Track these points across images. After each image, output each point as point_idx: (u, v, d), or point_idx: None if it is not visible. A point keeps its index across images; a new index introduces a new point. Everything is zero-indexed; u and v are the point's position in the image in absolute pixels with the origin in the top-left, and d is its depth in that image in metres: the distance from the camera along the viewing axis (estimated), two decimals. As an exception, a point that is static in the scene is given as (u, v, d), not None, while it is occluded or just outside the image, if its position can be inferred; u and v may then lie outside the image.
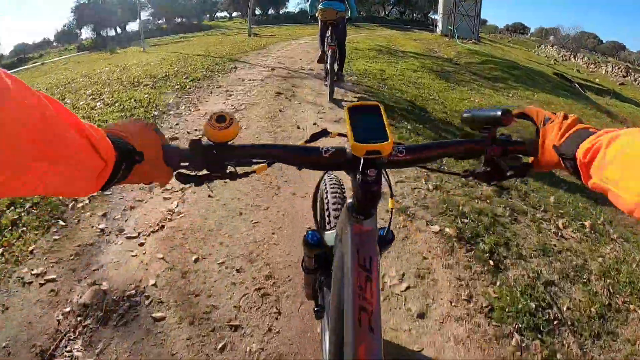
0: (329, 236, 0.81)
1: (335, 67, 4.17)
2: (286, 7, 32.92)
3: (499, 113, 0.52)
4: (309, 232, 0.81)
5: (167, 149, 0.52)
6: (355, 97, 4.57)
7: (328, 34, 4.15)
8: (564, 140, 0.48)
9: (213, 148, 0.52)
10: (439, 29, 18.20)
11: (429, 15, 32.95)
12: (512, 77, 8.08)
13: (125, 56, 11.43)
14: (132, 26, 23.72)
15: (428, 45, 12.37)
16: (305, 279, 1.10)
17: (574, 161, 0.45)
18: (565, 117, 0.50)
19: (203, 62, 6.89)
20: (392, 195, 0.64)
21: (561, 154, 0.47)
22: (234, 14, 34.51)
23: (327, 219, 1.01)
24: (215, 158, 0.53)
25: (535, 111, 0.55)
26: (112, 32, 26.00)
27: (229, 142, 0.52)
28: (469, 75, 7.36)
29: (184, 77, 5.43)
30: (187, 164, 0.54)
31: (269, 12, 31.44)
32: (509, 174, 0.56)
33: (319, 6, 4.23)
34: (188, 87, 5.00)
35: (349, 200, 0.60)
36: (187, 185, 0.64)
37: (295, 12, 31.05)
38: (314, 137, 0.63)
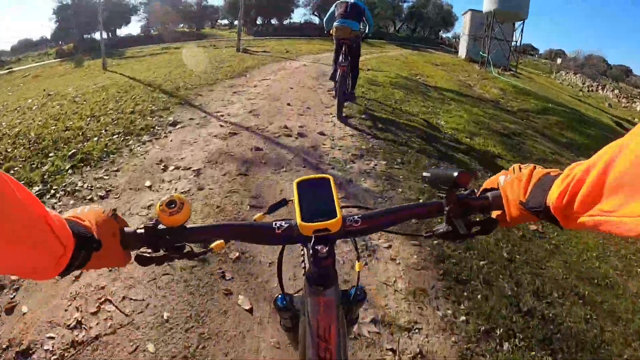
0: (298, 299, 0.77)
1: (347, 86, 4.12)
2: (291, 18, 30.62)
3: (455, 174, 0.51)
4: (279, 296, 0.77)
5: (125, 234, 0.53)
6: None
7: (342, 54, 4.05)
8: (529, 193, 0.46)
9: (167, 233, 0.53)
10: (462, 52, 15.93)
11: (440, 33, 30.97)
12: (589, 139, 5.73)
13: (82, 73, 9.60)
14: (127, 30, 20.90)
15: (456, 74, 10.02)
16: (287, 336, 1.02)
17: (545, 211, 0.43)
18: (520, 169, 0.51)
19: (138, 103, 4.46)
20: (358, 258, 0.68)
21: (530, 207, 0.45)
22: (236, 21, 32.41)
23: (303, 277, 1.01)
24: (170, 242, 0.53)
25: (489, 181, 0.56)
26: (101, 36, 23.68)
27: (184, 224, 0.53)
28: (540, 140, 4.94)
29: (63, 156, 2.92)
30: (145, 247, 0.54)
31: (272, 22, 29.18)
32: (473, 231, 0.55)
33: (335, 24, 4.13)
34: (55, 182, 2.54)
35: (307, 271, 0.59)
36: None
37: (301, 23, 28.83)
38: (273, 208, 0.68)
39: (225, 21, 33.88)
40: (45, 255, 0.39)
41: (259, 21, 28.30)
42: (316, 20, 28.41)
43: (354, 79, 4.43)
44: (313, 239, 0.52)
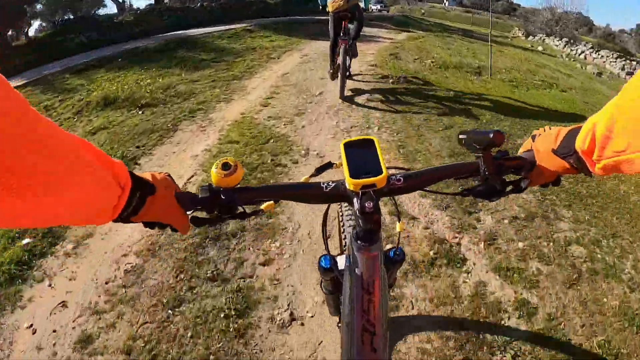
0: (342, 260, 0.79)
1: (348, 62, 3.90)
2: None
3: (491, 135, 0.54)
4: (322, 257, 0.80)
5: (179, 194, 0.55)
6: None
7: (341, 28, 3.74)
8: (559, 143, 0.50)
9: (221, 193, 0.55)
10: None
11: None
12: None
13: None
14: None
15: None
16: (327, 299, 1.11)
17: (576, 155, 0.46)
18: (550, 128, 0.54)
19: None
20: (399, 219, 0.74)
21: (561, 153, 0.49)
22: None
23: (343, 242, 1.13)
24: (224, 202, 0.55)
25: (523, 146, 0.61)
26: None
27: (237, 185, 0.56)
28: None
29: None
30: (199, 207, 0.56)
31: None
32: (507, 189, 0.58)
33: None
34: None
35: (353, 230, 0.62)
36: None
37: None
38: (319, 170, 0.73)
39: None
40: (105, 196, 0.41)
41: None
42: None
43: (353, 55, 4.15)
44: (360, 195, 0.55)
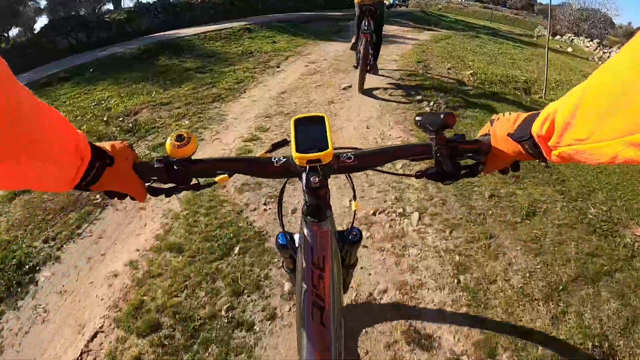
0: (298, 237, 0.79)
1: (370, 55, 3.74)
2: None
3: (442, 116, 0.55)
4: (279, 234, 0.80)
5: (137, 165, 0.57)
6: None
7: (365, 21, 3.64)
8: (516, 127, 0.50)
9: (174, 164, 0.57)
10: None
11: None
12: None
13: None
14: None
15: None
16: (290, 278, 1.11)
17: (532, 140, 0.46)
18: (509, 114, 0.54)
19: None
20: (354, 198, 0.69)
21: (517, 137, 0.49)
22: None
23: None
24: (178, 172, 0.57)
25: (482, 130, 0.59)
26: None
27: (190, 156, 0.57)
28: None
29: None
30: (155, 178, 0.58)
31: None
32: (462, 172, 0.58)
33: None
34: None
35: (303, 206, 0.62)
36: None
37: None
38: (275, 146, 0.72)
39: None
40: (66, 166, 0.43)
41: None
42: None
43: (377, 49, 4.13)
44: (307, 170, 0.56)
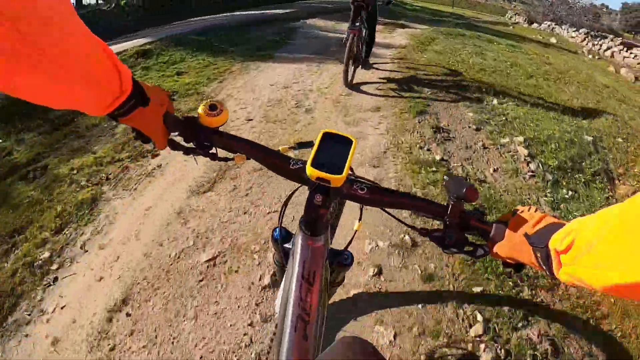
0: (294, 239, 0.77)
1: (355, 50, 3.58)
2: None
3: (464, 189, 0.53)
4: (276, 228, 0.78)
5: (167, 115, 0.59)
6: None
7: (356, 18, 3.52)
8: (535, 230, 0.47)
9: (203, 129, 0.60)
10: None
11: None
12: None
13: None
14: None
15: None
16: (276, 271, 1.07)
17: (546, 250, 0.44)
18: (536, 210, 0.51)
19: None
20: (360, 219, 0.68)
21: (533, 243, 0.47)
22: None
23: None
24: (201, 136, 0.60)
25: (502, 216, 0.56)
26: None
27: (219, 127, 0.60)
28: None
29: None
30: (177, 133, 0.60)
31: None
32: (464, 249, 0.55)
33: None
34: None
35: (302, 216, 0.61)
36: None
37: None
38: (300, 145, 0.71)
39: None
40: (105, 93, 0.46)
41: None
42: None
43: (369, 45, 4.11)
44: (316, 186, 0.56)
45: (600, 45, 10.96)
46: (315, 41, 5.98)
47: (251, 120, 3.06)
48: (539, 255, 0.45)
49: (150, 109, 0.55)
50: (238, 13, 8.97)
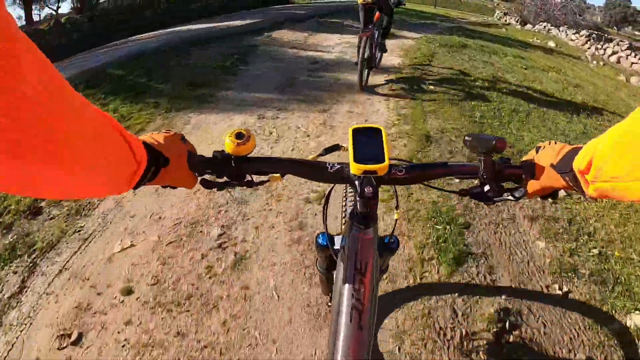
0: (339, 239, 0.79)
1: (369, 53, 3.53)
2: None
3: (493, 141, 0.54)
4: (320, 234, 0.80)
5: (192, 157, 0.57)
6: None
7: (367, 21, 3.53)
8: (559, 159, 0.50)
9: (232, 160, 0.58)
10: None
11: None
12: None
13: None
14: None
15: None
16: (320, 277, 1.10)
17: (572, 173, 0.46)
18: (555, 143, 0.54)
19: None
20: (397, 207, 0.75)
21: (559, 169, 0.49)
22: None
23: (342, 221, 1.11)
24: (234, 169, 0.58)
25: (526, 156, 0.59)
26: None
27: (247, 155, 0.58)
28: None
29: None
30: (209, 171, 0.59)
31: None
32: (504, 196, 0.57)
33: None
34: None
35: (351, 210, 0.62)
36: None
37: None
38: (327, 150, 0.74)
39: None
40: (123, 169, 0.43)
41: None
42: None
43: (382, 43, 4.07)
44: (362, 179, 0.57)
45: (605, 50, 9.87)
46: (280, 66, 4.52)
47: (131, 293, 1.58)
48: (567, 179, 0.48)
49: (173, 165, 0.52)
50: (187, 28, 7.35)
